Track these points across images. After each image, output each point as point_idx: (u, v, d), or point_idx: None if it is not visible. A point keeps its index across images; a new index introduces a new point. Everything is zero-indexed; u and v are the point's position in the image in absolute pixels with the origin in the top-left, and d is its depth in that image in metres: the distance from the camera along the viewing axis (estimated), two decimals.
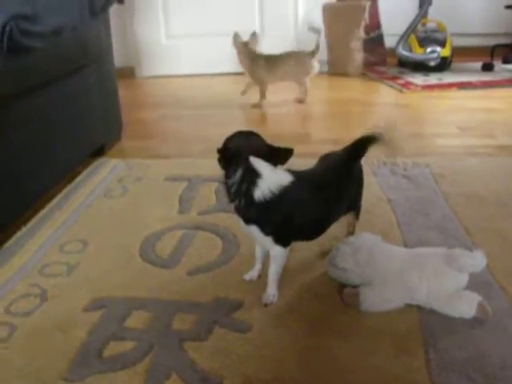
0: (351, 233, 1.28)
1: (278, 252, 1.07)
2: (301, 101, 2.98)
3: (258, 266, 1.17)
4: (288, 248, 1.08)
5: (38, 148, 1.56)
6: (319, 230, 1.14)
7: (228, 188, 1.01)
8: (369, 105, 3.01)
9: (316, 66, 2.93)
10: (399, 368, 0.90)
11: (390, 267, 1.07)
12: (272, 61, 2.87)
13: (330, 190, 1.11)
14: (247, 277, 1.16)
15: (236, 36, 2.86)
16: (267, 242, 1.05)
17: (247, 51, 2.86)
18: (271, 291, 1.09)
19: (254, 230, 1.04)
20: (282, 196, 0.99)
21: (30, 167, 1.51)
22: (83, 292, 1.15)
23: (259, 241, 1.10)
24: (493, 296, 1.08)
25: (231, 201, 1.02)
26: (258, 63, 2.86)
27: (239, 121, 2.76)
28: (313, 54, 2.90)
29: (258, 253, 1.17)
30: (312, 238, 1.16)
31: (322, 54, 3.82)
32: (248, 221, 1.03)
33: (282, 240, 1.06)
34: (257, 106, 2.95)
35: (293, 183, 1.02)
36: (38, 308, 1.10)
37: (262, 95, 2.95)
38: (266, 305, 1.08)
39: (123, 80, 3.69)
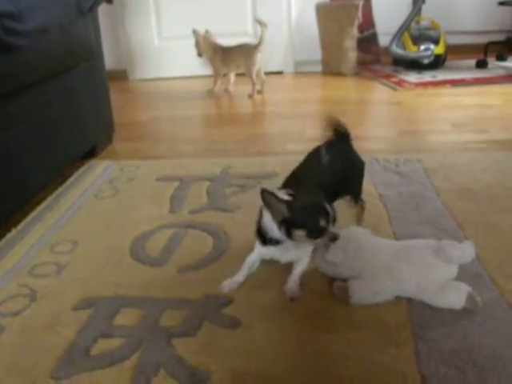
0: (359, 221, 1.33)
1: (307, 258, 1.16)
2: (250, 96, 3.17)
3: (240, 279, 1.14)
4: None
5: (26, 150, 1.55)
6: None
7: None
8: (362, 103, 3.02)
9: (260, 58, 3.11)
10: (388, 359, 0.89)
11: (379, 260, 1.07)
12: (227, 53, 3.16)
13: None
14: (226, 288, 1.11)
15: (195, 31, 3.16)
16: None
17: (207, 42, 3.16)
18: (297, 284, 1.11)
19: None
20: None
21: (18, 169, 1.51)
22: (72, 291, 1.15)
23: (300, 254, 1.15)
24: (483, 287, 1.07)
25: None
26: (217, 54, 3.18)
27: (232, 121, 2.76)
28: (257, 46, 3.08)
29: (250, 265, 1.16)
30: None
31: (316, 53, 3.85)
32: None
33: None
34: (210, 92, 3.32)
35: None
36: (27, 308, 1.10)
37: (215, 83, 3.31)
38: (292, 299, 1.08)
39: (116, 82, 3.70)
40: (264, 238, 1.12)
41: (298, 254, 1.15)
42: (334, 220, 1.07)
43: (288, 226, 1.05)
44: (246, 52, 3.11)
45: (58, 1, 1.65)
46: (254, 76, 3.13)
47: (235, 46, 3.15)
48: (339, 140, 1.27)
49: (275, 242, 1.10)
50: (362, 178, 1.32)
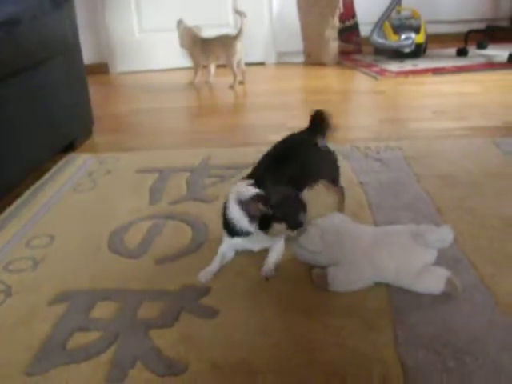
0: (341, 210, 1.31)
1: (281, 243, 1.17)
2: (231, 86, 3.16)
3: (214, 269, 1.13)
4: None
5: (2, 143, 1.51)
6: None
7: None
8: (344, 93, 3.00)
9: (240, 48, 3.10)
10: (367, 345, 0.89)
11: (358, 247, 1.06)
12: (207, 44, 3.14)
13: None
14: (203, 279, 1.10)
15: (180, 22, 3.15)
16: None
17: (190, 34, 3.14)
18: (272, 266, 1.12)
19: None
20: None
21: None
22: (48, 286, 1.12)
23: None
24: (462, 272, 1.07)
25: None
26: (196, 45, 3.15)
27: (213, 112, 2.73)
28: (237, 37, 3.06)
29: (222, 256, 1.16)
30: None
31: (298, 44, 3.83)
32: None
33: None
34: (191, 84, 3.29)
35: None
36: (2, 304, 1.08)
37: (195, 74, 3.27)
38: (267, 278, 1.09)
39: (97, 76, 3.65)
40: (232, 231, 1.11)
41: (270, 242, 1.15)
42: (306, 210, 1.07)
43: (265, 220, 1.04)
44: (225, 43, 3.08)
45: None
46: (235, 67, 3.10)
47: (215, 38, 3.12)
48: (315, 129, 1.28)
49: (245, 234, 1.09)
50: (337, 164, 1.31)
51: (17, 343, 0.95)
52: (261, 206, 1.02)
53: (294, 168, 1.15)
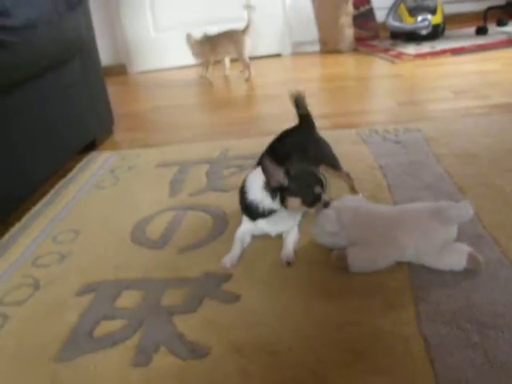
0: (353, 190, 1.33)
1: (295, 229, 1.19)
2: (247, 79, 3.21)
3: (237, 253, 1.14)
4: None
5: (21, 145, 1.55)
6: None
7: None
8: (361, 79, 2.98)
9: (248, 42, 3.16)
10: (388, 323, 0.89)
11: (377, 227, 1.06)
12: (215, 40, 3.20)
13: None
14: (228, 264, 1.11)
15: (188, 36, 3.26)
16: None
17: (196, 42, 3.25)
18: (292, 251, 1.13)
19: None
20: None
21: (16, 165, 1.51)
22: (75, 278, 1.16)
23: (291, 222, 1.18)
24: (484, 248, 1.06)
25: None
26: (204, 45, 3.23)
27: (231, 104, 2.74)
28: (245, 31, 3.15)
29: (241, 238, 1.18)
30: None
31: (313, 33, 3.81)
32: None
33: None
34: (203, 77, 3.35)
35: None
36: (31, 297, 1.11)
37: (206, 70, 3.34)
38: (289, 263, 1.09)
39: (116, 77, 3.70)
40: (254, 214, 1.13)
41: (287, 224, 1.17)
42: (326, 187, 1.08)
43: (283, 193, 1.06)
44: (234, 37, 3.13)
45: None
46: (247, 59, 3.14)
47: (222, 33, 3.18)
48: (302, 118, 1.32)
49: (268, 213, 1.11)
50: (330, 149, 1.32)
51: (46, 333, 0.98)
52: (282, 176, 1.05)
53: (299, 151, 1.16)
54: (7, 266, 1.26)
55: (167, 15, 3.83)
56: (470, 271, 0.99)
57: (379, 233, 1.04)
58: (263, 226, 1.15)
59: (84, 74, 2.03)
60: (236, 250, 1.15)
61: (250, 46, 3.17)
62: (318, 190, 1.06)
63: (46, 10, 1.65)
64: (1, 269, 1.25)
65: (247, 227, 1.18)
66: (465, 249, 1.00)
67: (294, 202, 1.06)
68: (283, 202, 1.07)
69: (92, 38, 2.12)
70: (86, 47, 2.03)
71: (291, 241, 1.15)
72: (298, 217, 1.18)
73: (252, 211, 1.13)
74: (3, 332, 1.00)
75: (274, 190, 1.07)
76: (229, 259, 1.12)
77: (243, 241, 1.17)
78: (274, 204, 1.09)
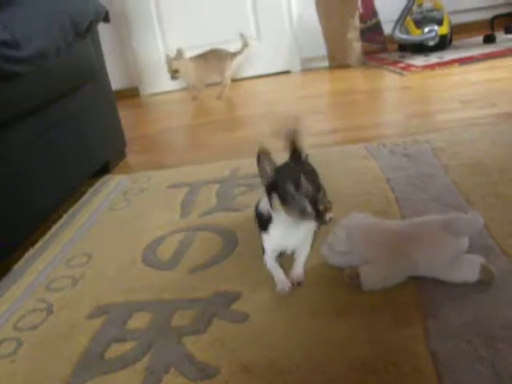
0: None
1: (307, 247, 1.21)
2: (218, 97, 3.35)
3: (281, 272, 1.14)
4: None
5: (33, 173, 1.58)
6: None
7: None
8: (370, 92, 2.99)
9: (233, 67, 3.36)
10: (397, 339, 0.88)
11: (387, 243, 1.05)
12: (199, 61, 3.32)
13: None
14: (286, 288, 1.08)
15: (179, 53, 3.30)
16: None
17: (182, 63, 3.28)
18: (302, 271, 1.14)
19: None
20: None
21: (33, 190, 1.55)
22: (87, 301, 1.17)
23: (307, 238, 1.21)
24: (493, 259, 1.05)
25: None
26: (189, 68, 3.31)
27: (240, 124, 2.77)
28: (234, 55, 3.35)
29: (273, 262, 1.18)
30: None
31: (322, 49, 3.84)
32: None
33: None
34: (194, 98, 3.47)
35: None
36: (44, 321, 1.13)
37: (198, 91, 3.45)
38: (299, 284, 1.10)
39: (129, 100, 3.77)
40: (263, 224, 1.18)
41: (299, 237, 1.19)
42: (316, 200, 1.06)
43: (270, 186, 1.11)
44: (222, 56, 3.30)
45: (54, 25, 1.68)
46: (228, 80, 3.33)
47: (205, 53, 3.33)
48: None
49: (270, 221, 1.16)
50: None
51: (58, 356, 1.00)
52: (270, 174, 1.09)
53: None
54: (23, 290, 1.29)
55: (177, 37, 3.89)
56: (480, 284, 0.98)
57: (390, 248, 1.04)
58: (277, 237, 1.17)
59: (95, 100, 2.08)
60: (279, 272, 1.14)
61: (234, 70, 3.37)
62: (290, 187, 1.05)
63: (55, 38, 1.70)
64: (17, 293, 1.27)
65: (268, 248, 1.19)
66: (477, 260, 0.99)
67: (275, 200, 1.10)
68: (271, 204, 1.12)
69: (102, 65, 2.17)
70: (96, 74, 2.08)
71: (301, 259, 1.16)
72: (311, 233, 1.21)
73: (259, 219, 1.21)
74: (16, 357, 1.02)
75: (268, 192, 1.11)
76: (281, 284, 1.10)
77: (275, 264, 1.17)
78: (271, 209, 1.13)
